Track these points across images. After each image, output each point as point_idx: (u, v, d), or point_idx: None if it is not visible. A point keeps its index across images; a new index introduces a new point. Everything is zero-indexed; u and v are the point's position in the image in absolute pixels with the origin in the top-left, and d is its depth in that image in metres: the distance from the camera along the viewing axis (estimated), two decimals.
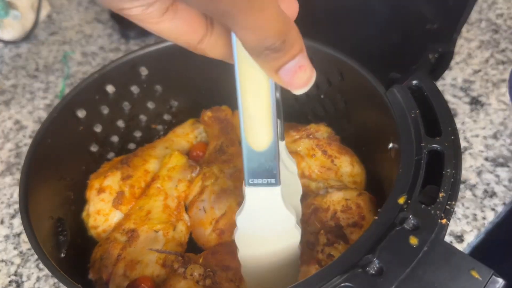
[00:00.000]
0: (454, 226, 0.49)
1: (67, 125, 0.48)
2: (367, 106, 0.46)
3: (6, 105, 0.69)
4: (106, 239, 0.46)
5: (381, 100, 0.42)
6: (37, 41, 0.80)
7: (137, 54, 0.51)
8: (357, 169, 0.49)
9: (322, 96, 0.53)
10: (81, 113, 0.49)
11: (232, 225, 0.44)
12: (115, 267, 0.42)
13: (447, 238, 0.48)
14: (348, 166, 0.48)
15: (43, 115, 0.67)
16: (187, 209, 0.49)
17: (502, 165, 0.54)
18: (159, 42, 0.51)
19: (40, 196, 0.43)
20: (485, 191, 0.52)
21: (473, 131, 0.58)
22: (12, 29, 0.76)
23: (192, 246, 0.47)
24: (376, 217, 0.33)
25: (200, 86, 0.57)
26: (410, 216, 0.32)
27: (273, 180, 0.32)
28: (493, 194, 0.51)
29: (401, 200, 0.34)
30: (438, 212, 0.32)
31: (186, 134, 0.57)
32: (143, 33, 0.76)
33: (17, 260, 0.51)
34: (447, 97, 0.62)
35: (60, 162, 0.47)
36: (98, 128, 0.52)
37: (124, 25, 0.77)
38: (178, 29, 0.27)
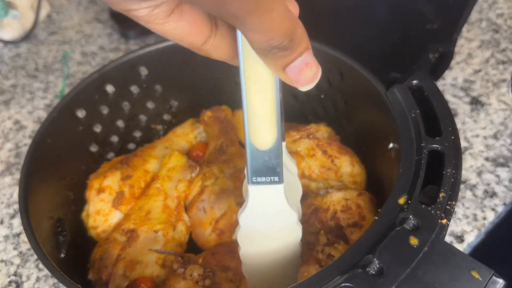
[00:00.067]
0: (455, 226, 0.49)
1: (67, 125, 0.48)
2: (367, 106, 0.46)
3: (6, 105, 0.69)
4: (105, 239, 0.46)
5: (381, 100, 0.42)
6: (37, 41, 0.80)
7: (137, 54, 0.51)
8: (357, 169, 0.49)
9: (322, 96, 0.53)
10: (80, 113, 0.49)
11: (232, 225, 0.44)
12: (114, 267, 0.42)
13: (448, 238, 0.48)
14: (348, 166, 0.48)
15: (43, 115, 0.67)
16: (187, 209, 0.49)
17: (502, 165, 0.54)
18: (159, 42, 0.51)
19: (39, 196, 0.43)
20: (486, 191, 0.52)
21: (474, 131, 0.58)
22: (11, 29, 0.76)
23: (192, 246, 0.47)
24: (376, 217, 0.33)
25: (200, 86, 0.57)
26: (410, 216, 0.32)
27: (276, 178, 0.32)
28: (493, 194, 0.51)
29: (401, 200, 0.34)
30: (438, 212, 0.32)
31: (186, 134, 0.57)
32: (143, 33, 0.76)
33: (17, 260, 0.51)
34: (448, 97, 0.62)
35: (60, 162, 0.47)
36: (98, 128, 0.52)
37: (124, 25, 0.76)
38: (183, 30, 0.27)
